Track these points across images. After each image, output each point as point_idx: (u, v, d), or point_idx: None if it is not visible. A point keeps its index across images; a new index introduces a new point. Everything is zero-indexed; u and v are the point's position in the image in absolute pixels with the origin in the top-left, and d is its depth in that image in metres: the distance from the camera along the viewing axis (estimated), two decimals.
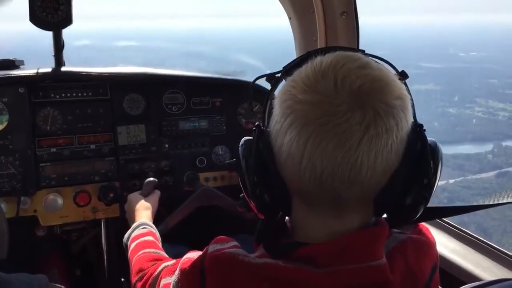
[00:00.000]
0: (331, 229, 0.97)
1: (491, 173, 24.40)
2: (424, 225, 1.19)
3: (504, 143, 29.40)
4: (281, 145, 0.93)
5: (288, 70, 1.02)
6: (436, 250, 1.13)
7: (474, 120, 34.86)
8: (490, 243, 1.82)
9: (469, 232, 1.93)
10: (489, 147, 29.16)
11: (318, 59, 0.95)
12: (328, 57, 0.94)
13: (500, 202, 1.21)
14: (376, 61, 0.98)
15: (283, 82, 1.03)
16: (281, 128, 0.93)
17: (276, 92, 1.02)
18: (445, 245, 1.89)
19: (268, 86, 1.08)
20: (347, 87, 0.88)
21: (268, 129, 1.00)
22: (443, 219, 2.02)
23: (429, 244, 1.10)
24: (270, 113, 1.01)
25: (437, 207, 1.28)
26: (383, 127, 0.88)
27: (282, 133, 0.92)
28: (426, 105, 34.44)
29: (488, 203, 1.23)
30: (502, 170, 24.45)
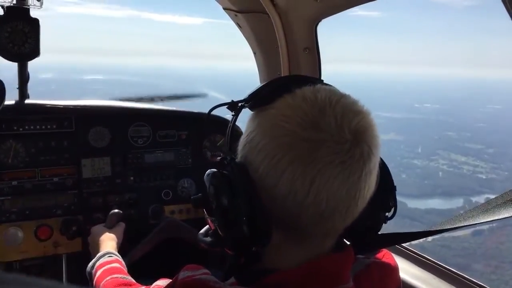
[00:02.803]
0: (303, 256, 0.98)
1: (467, 231, 24.48)
2: (387, 250, 1.22)
3: (473, 199, 29.75)
4: (277, 181, 0.90)
5: (255, 98, 1.00)
6: (399, 274, 1.17)
7: (440, 173, 35.36)
8: (450, 268, 1.88)
9: (430, 258, 1.98)
10: (459, 202, 29.46)
11: (308, 93, 0.93)
12: (318, 92, 0.94)
13: (456, 226, 1.26)
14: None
15: (255, 112, 0.99)
16: (276, 164, 0.89)
17: (254, 124, 0.97)
18: (407, 271, 1.94)
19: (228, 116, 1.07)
20: (347, 124, 0.89)
21: (241, 161, 0.98)
22: (405, 246, 2.08)
23: (393, 268, 1.15)
24: (235, 143, 1.01)
25: (397, 233, 1.32)
26: (374, 162, 0.93)
27: (279, 169, 0.89)
28: (391, 156, 34.34)
29: (444, 228, 1.27)
30: (477, 228, 24.67)
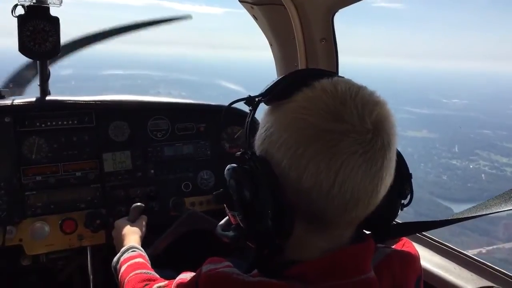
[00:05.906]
0: (325, 247, 0.99)
1: None
2: (407, 239, 1.23)
3: None
4: (301, 174, 0.90)
5: (272, 93, 1.00)
6: (419, 263, 1.17)
7: (483, 176, 33.81)
8: (472, 256, 1.87)
9: (451, 246, 1.97)
10: (507, 207, 27.76)
11: (327, 85, 0.94)
12: (337, 84, 0.94)
13: (477, 214, 1.26)
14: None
15: (275, 106, 0.99)
16: (300, 158, 0.90)
17: (272, 118, 0.98)
18: (429, 260, 1.94)
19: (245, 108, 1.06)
20: (368, 114, 0.90)
21: (261, 154, 0.98)
22: (426, 234, 2.07)
23: (413, 257, 1.15)
24: (252, 137, 1.02)
25: (417, 221, 1.32)
26: (393, 150, 0.95)
27: (303, 162, 0.90)
28: (428, 155, 32.63)
29: (464, 216, 1.27)
30: None
